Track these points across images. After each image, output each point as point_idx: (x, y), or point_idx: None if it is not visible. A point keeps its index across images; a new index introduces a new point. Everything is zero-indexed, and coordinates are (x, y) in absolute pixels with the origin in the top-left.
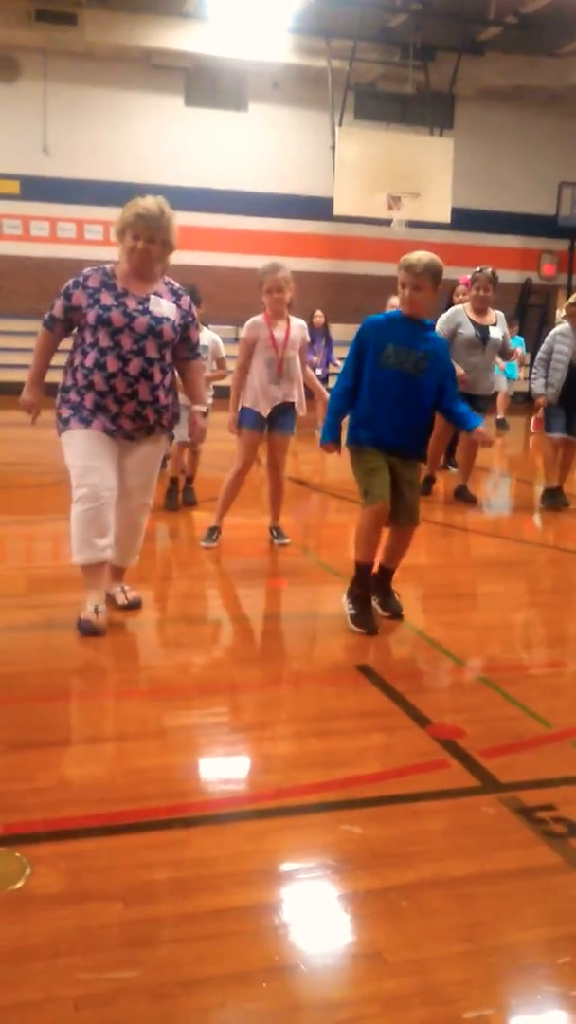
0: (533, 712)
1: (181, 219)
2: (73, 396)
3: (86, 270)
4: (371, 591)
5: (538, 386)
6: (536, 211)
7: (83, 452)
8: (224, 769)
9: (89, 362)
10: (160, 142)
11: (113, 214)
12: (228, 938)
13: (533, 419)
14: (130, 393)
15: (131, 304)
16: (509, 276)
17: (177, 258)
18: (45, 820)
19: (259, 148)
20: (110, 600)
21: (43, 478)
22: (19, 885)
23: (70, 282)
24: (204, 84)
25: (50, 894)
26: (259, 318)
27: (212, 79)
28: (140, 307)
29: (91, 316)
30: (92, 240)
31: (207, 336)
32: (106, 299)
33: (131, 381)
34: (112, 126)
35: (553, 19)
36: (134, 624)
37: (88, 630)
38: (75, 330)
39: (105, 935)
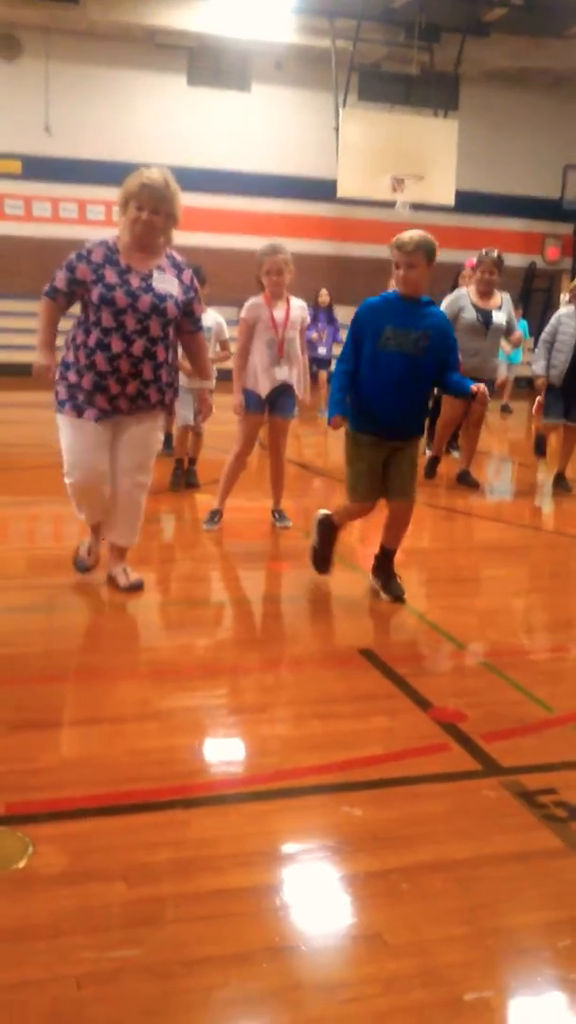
0: (535, 696)
1: (184, 200)
2: (72, 376)
3: (88, 243)
4: (332, 544)
5: (539, 367)
6: (541, 194)
7: (71, 443)
8: (225, 750)
9: (92, 342)
10: (163, 122)
11: (115, 194)
12: (229, 918)
13: (536, 404)
14: (134, 373)
15: (135, 282)
16: (513, 260)
17: (180, 239)
18: (47, 800)
19: (262, 129)
20: (112, 581)
21: (44, 459)
22: (21, 865)
23: (73, 255)
24: (207, 64)
25: (52, 874)
26: (259, 299)
27: (215, 59)
28: (143, 284)
29: (95, 294)
30: (94, 220)
31: (211, 317)
32: (110, 277)
33: (135, 361)
34: (115, 105)
35: (559, 0)
36: (135, 606)
37: (79, 566)
38: (78, 304)
39: (107, 914)
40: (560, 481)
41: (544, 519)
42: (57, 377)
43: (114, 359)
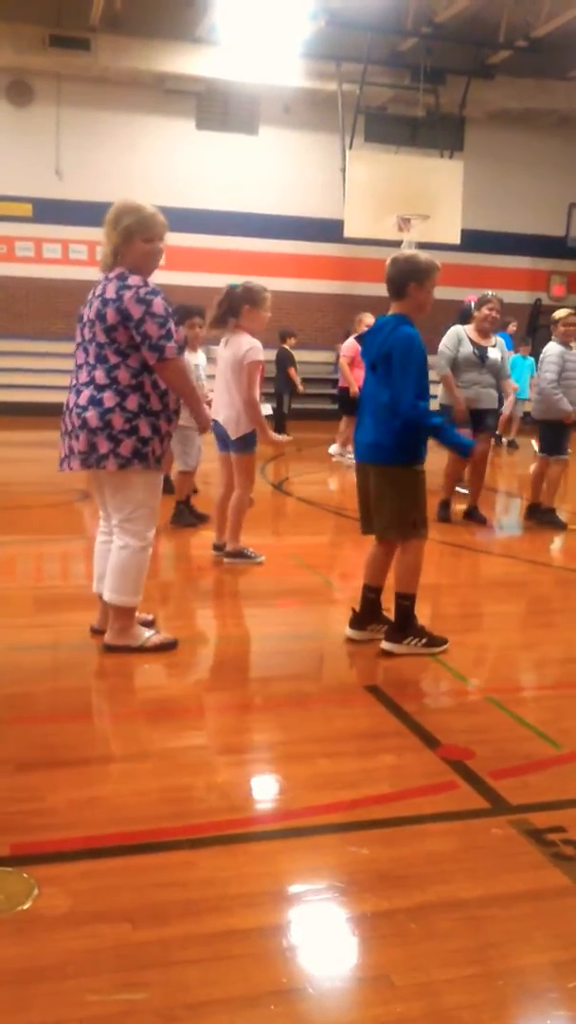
0: (543, 733)
1: (193, 241)
2: (163, 424)
3: (151, 283)
4: (368, 611)
5: (565, 405)
6: (546, 232)
7: (155, 503)
8: (232, 790)
9: (152, 384)
10: (172, 165)
11: None
12: (236, 960)
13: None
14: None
15: None
16: (519, 297)
17: (188, 279)
18: (53, 840)
19: (270, 171)
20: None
21: (50, 498)
22: (27, 906)
23: (160, 300)
24: (215, 108)
25: (58, 915)
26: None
27: (223, 103)
28: None
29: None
30: None
31: (203, 359)
32: None
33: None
34: (124, 149)
35: (563, 43)
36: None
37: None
38: (118, 347)
39: (113, 957)
40: (547, 514)
41: (551, 555)
42: (144, 429)
43: (166, 396)
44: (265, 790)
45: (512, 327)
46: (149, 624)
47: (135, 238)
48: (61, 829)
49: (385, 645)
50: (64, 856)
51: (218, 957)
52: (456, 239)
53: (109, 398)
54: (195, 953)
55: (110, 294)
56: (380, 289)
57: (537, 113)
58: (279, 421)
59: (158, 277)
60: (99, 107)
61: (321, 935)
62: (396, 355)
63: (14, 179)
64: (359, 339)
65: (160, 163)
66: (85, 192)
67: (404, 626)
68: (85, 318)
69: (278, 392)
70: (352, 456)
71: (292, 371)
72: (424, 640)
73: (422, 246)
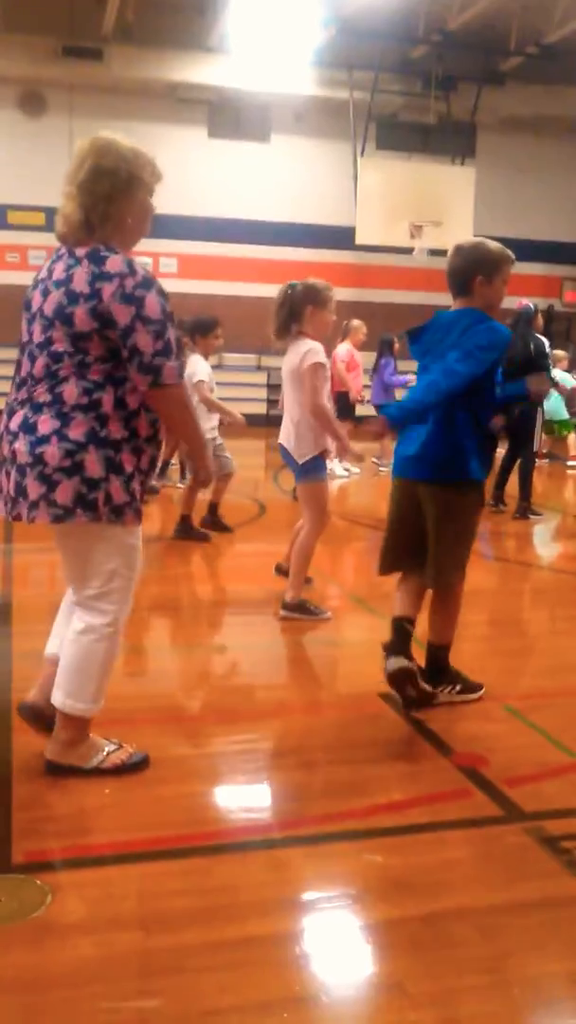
0: (557, 740)
1: (205, 248)
2: (127, 459)
3: (130, 263)
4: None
5: None
6: (558, 238)
7: (136, 561)
8: (245, 797)
9: (136, 403)
10: (184, 173)
11: (137, 245)
12: (250, 968)
13: None
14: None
15: None
16: (532, 303)
17: (201, 287)
18: (65, 848)
19: (282, 178)
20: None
21: None
22: (40, 913)
23: (157, 292)
24: (227, 116)
25: (71, 922)
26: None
27: (235, 111)
28: None
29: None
30: None
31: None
32: None
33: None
34: None
35: (574, 49)
36: (154, 650)
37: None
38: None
39: (126, 964)
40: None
41: (568, 561)
42: (92, 467)
43: (136, 419)
44: (278, 797)
45: None
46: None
47: (136, 192)
48: (74, 836)
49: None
50: (77, 863)
51: (232, 965)
52: None
53: (45, 422)
54: (209, 961)
55: (79, 285)
56: (392, 295)
57: (549, 119)
58: None
59: (169, 286)
60: (112, 116)
61: (335, 943)
62: (471, 339)
63: (27, 188)
64: (410, 335)
65: (172, 171)
66: None
67: (438, 672)
68: (35, 308)
69: None
70: (347, 465)
71: None
72: (459, 687)
73: (434, 252)
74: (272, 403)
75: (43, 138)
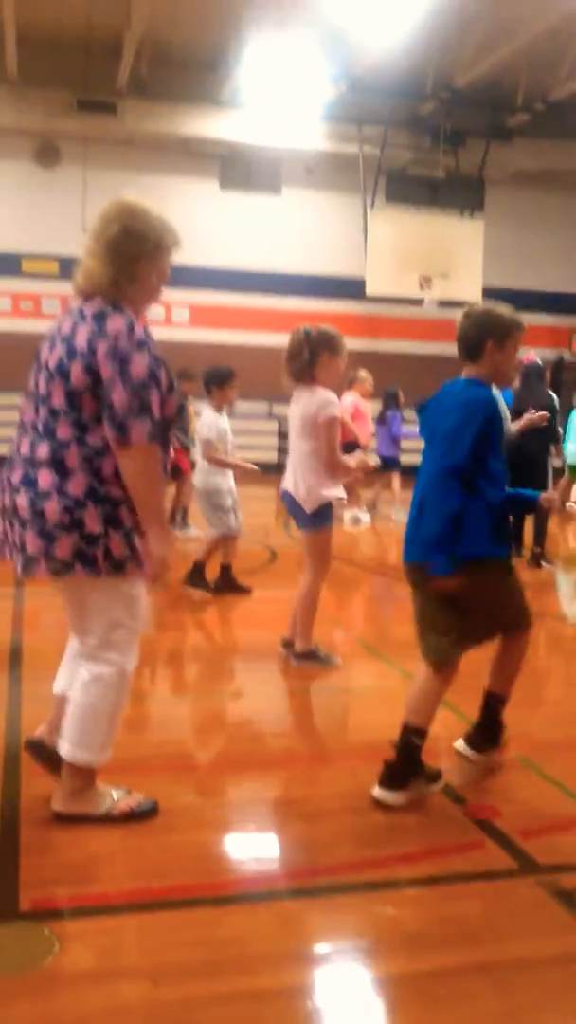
0: (572, 792)
1: (217, 299)
2: (126, 515)
3: (140, 330)
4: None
5: None
6: (566, 290)
7: (139, 612)
8: (256, 846)
9: (111, 467)
10: (196, 225)
11: None
12: (259, 1021)
13: None
14: None
15: None
16: (541, 353)
17: (213, 337)
18: (73, 895)
19: (293, 230)
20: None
21: None
22: (47, 962)
23: (148, 356)
24: (239, 169)
25: (78, 972)
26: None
27: (247, 164)
28: None
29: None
30: None
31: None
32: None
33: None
34: None
35: None
36: (163, 698)
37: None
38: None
39: (134, 1015)
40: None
41: None
42: (91, 523)
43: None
44: (290, 847)
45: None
46: None
47: (161, 257)
48: (82, 884)
49: (378, 793)
50: (85, 911)
51: (241, 1017)
52: (478, 297)
53: (45, 478)
54: (218, 1013)
55: (80, 343)
56: (402, 346)
57: (556, 173)
58: None
59: (181, 335)
60: (125, 168)
61: (347, 997)
62: (453, 417)
63: (41, 237)
64: (418, 411)
65: (185, 223)
66: None
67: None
68: (42, 360)
69: None
70: (362, 513)
71: None
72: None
73: (444, 304)
74: (283, 451)
75: (58, 189)
